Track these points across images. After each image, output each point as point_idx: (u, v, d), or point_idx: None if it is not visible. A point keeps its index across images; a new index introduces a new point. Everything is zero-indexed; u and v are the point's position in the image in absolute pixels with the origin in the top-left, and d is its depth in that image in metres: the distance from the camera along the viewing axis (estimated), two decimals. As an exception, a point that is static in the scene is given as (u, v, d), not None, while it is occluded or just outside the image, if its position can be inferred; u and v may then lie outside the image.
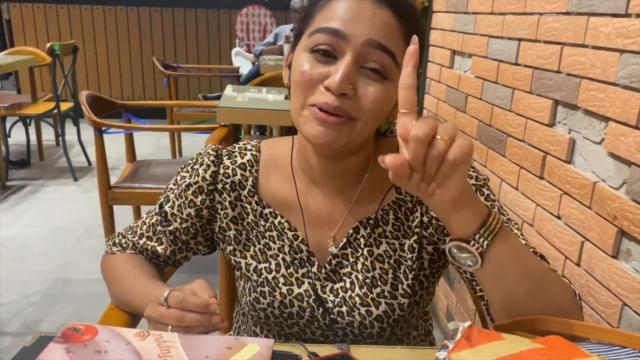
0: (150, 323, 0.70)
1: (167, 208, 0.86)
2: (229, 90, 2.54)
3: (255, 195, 0.83)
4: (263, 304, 0.80)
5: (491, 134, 1.56)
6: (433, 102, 2.12)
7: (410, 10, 0.71)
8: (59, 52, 3.64)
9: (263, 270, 0.81)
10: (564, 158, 1.17)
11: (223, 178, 0.83)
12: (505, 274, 0.63)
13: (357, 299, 0.78)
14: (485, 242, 0.60)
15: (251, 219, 0.83)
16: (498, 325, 0.66)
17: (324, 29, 0.68)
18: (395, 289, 0.78)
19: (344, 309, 0.78)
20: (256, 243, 0.83)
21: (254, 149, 0.85)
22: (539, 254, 0.75)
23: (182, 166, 0.87)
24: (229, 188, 0.83)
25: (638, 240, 0.92)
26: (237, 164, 0.83)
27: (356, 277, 0.79)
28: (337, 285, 0.79)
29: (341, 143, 0.69)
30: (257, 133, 3.61)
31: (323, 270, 0.80)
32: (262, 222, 0.82)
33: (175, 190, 0.85)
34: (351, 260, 0.80)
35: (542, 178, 1.27)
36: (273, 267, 0.81)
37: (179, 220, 0.85)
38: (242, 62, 5.18)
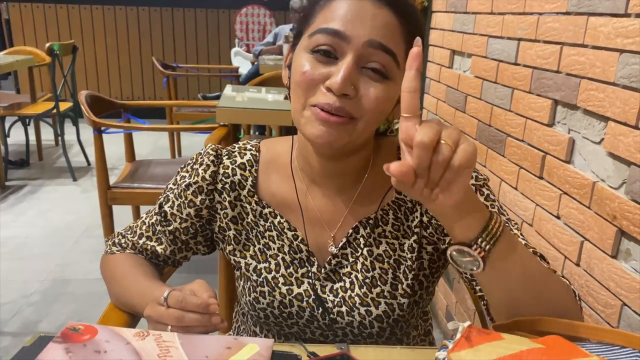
0: (149, 323, 0.69)
1: (166, 208, 0.86)
2: (228, 90, 2.53)
3: (255, 195, 0.83)
4: (263, 303, 0.80)
5: (491, 134, 1.56)
6: (432, 102, 2.12)
7: (411, 10, 0.71)
8: (58, 52, 3.64)
9: (263, 270, 0.81)
10: (563, 158, 1.17)
11: (223, 178, 0.83)
12: (506, 276, 0.63)
13: (356, 298, 0.78)
14: (488, 246, 0.59)
15: (251, 219, 0.83)
16: (498, 325, 0.66)
17: (325, 29, 0.68)
18: (395, 288, 0.78)
19: (344, 308, 0.78)
20: (256, 243, 0.83)
21: (253, 148, 0.85)
22: (538, 254, 0.75)
23: (182, 166, 0.87)
24: (228, 188, 0.83)
25: (637, 240, 0.92)
26: (236, 164, 0.83)
27: (356, 277, 0.79)
28: (337, 285, 0.79)
29: (342, 143, 0.69)
30: (257, 133, 3.61)
31: (323, 270, 0.80)
32: (262, 222, 0.82)
33: (175, 190, 0.85)
34: (351, 260, 0.80)
35: (541, 178, 1.27)
36: (273, 267, 0.81)
37: (178, 220, 0.85)
38: (242, 62, 5.18)
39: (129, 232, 0.91)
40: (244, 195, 0.83)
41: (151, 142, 4.65)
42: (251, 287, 0.82)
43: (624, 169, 0.97)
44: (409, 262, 0.79)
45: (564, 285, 0.70)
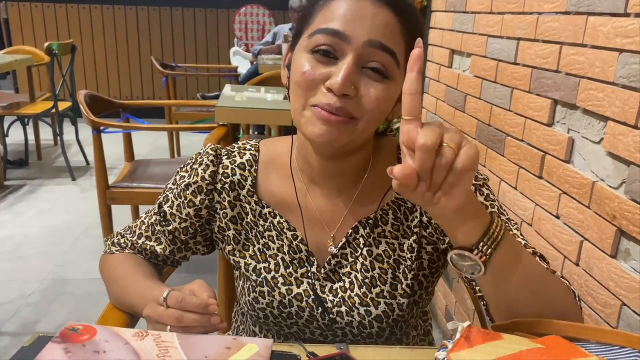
0: (149, 323, 0.69)
1: (166, 208, 0.85)
2: (227, 89, 2.53)
3: (255, 195, 0.83)
4: (262, 304, 0.80)
5: (490, 134, 1.56)
6: (432, 102, 2.12)
7: (410, 9, 0.70)
8: (57, 52, 3.64)
9: (262, 270, 0.81)
10: (563, 158, 1.17)
11: (222, 178, 0.83)
12: (507, 279, 0.63)
13: (356, 299, 0.77)
14: (490, 251, 0.59)
15: (250, 219, 0.83)
16: (497, 325, 0.66)
17: (325, 29, 0.67)
18: (395, 289, 0.78)
19: (344, 309, 0.78)
20: (255, 243, 0.83)
21: (253, 149, 0.85)
22: (538, 254, 0.75)
23: (182, 166, 0.87)
24: (228, 188, 0.83)
25: (637, 240, 0.92)
26: (236, 164, 0.83)
27: (355, 277, 0.79)
28: (337, 285, 0.79)
29: (343, 142, 0.69)
30: (256, 133, 3.60)
31: (322, 271, 0.80)
32: (262, 222, 0.82)
33: (175, 190, 0.85)
34: (350, 260, 0.80)
35: (541, 178, 1.27)
36: (272, 267, 0.81)
37: (178, 220, 0.84)
38: (241, 62, 5.18)
39: (129, 232, 0.91)
40: (244, 196, 0.83)
41: (150, 142, 4.65)
42: (251, 287, 0.82)
43: (623, 169, 0.97)
44: (409, 262, 0.79)
45: (564, 286, 0.70)
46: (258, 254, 0.82)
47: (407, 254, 0.79)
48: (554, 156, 1.21)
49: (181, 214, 0.84)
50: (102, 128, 2.09)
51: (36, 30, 5.57)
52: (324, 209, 0.80)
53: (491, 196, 0.78)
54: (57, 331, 0.62)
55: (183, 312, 0.65)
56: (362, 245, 0.79)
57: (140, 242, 0.88)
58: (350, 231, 0.79)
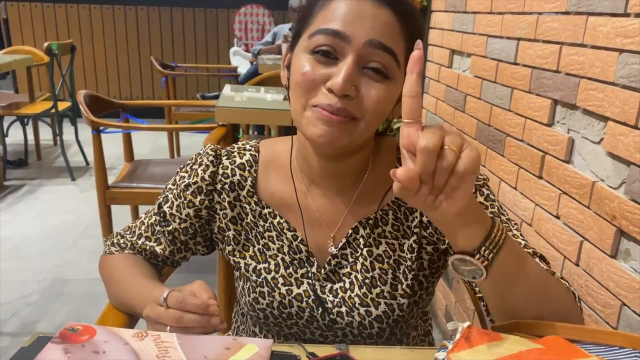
0: (148, 323, 0.69)
1: (165, 208, 0.85)
2: (227, 89, 2.53)
3: (255, 196, 0.83)
4: (262, 304, 0.80)
5: (490, 134, 1.56)
6: (432, 102, 2.12)
7: (410, 9, 0.70)
8: (56, 52, 3.63)
9: (262, 271, 0.81)
10: (562, 158, 1.17)
11: (222, 178, 0.83)
12: (508, 282, 0.63)
13: (356, 299, 0.77)
14: (491, 255, 0.59)
15: (250, 219, 0.83)
16: (497, 325, 0.66)
17: (325, 30, 0.67)
18: (395, 289, 0.78)
19: (344, 309, 0.78)
20: (255, 243, 0.83)
21: (253, 149, 0.85)
22: (538, 254, 0.75)
23: (181, 166, 0.87)
24: (227, 188, 0.83)
25: (637, 240, 0.92)
26: (236, 164, 0.83)
27: (355, 277, 0.79)
28: (337, 286, 0.79)
29: (344, 142, 0.69)
30: (256, 133, 3.60)
31: (322, 271, 0.80)
32: (261, 223, 0.82)
33: (174, 191, 0.85)
34: (350, 260, 0.80)
35: (541, 178, 1.27)
36: (272, 267, 0.81)
37: (177, 221, 0.84)
38: (240, 62, 5.18)
39: (128, 232, 0.91)
40: (244, 196, 0.83)
41: (150, 142, 4.65)
42: (251, 287, 0.81)
43: (623, 169, 0.97)
44: (409, 263, 0.78)
45: (564, 288, 0.70)
46: (258, 254, 0.82)
47: (407, 254, 0.79)
48: (553, 156, 1.21)
49: (181, 214, 0.84)
50: (101, 128, 2.08)
51: (35, 30, 5.56)
52: (323, 209, 0.80)
53: (491, 196, 0.78)
54: (56, 331, 0.61)
55: (183, 313, 0.65)
56: (362, 246, 0.79)
57: (140, 242, 0.88)
58: (350, 231, 0.79)
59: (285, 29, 4.46)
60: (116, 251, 0.90)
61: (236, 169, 0.83)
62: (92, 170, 3.83)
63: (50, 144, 4.54)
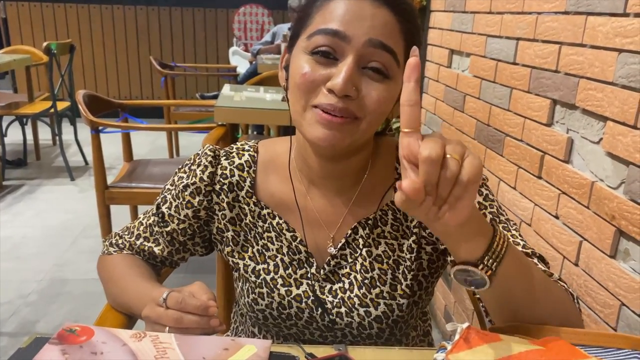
0: (147, 324, 0.69)
1: (164, 209, 0.85)
2: (226, 89, 2.53)
3: (253, 196, 0.82)
4: (261, 305, 0.80)
5: (489, 134, 1.56)
6: (431, 102, 2.12)
7: (409, 8, 0.70)
8: (55, 51, 3.63)
9: (261, 271, 0.81)
10: (562, 158, 1.17)
11: (221, 179, 0.83)
12: (510, 289, 0.62)
13: (356, 299, 0.77)
14: (495, 264, 0.58)
15: (249, 220, 0.83)
16: (496, 326, 0.66)
17: (324, 30, 0.67)
18: (394, 289, 0.78)
19: (343, 309, 0.78)
20: (254, 244, 0.82)
21: (251, 149, 0.85)
22: (537, 255, 0.75)
23: (180, 167, 0.87)
24: (226, 189, 0.82)
25: (636, 240, 0.92)
26: (234, 165, 0.83)
27: (355, 277, 0.78)
28: (336, 286, 0.79)
29: (345, 144, 0.68)
30: (255, 132, 3.60)
31: (322, 271, 0.80)
32: (261, 223, 0.82)
33: (173, 191, 0.85)
34: (350, 260, 0.79)
35: (540, 178, 1.27)
36: (271, 268, 0.81)
37: (176, 221, 0.84)
38: (240, 61, 5.17)
39: (127, 233, 0.90)
40: (242, 196, 0.83)
41: (149, 142, 4.65)
42: (250, 288, 0.81)
43: (622, 169, 0.97)
44: (408, 263, 0.78)
45: (563, 290, 0.70)
46: (257, 255, 0.82)
47: (406, 254, 0.79)
48: (553, 156, 1.21)
49: (179, 214, 0.84)
50: (100, 128, 2.08)
51: (34, 29, 5.55)
52: (323, 209, 0.80)
53: (490, 196, 0.78)
54: (55, 331, 0.61)
55: (182, 314, 0.65)
56: (361, 246, 0.79)
57: (138, 242, 0.88)
58: (350, 232, 0.79)
59: (284, 28, 4.46)
60: (115, 252, 0.90)
61: (235, 170, 0.83)
62: (91, 170, 3.82)
63: (49, 143, 4.54)
